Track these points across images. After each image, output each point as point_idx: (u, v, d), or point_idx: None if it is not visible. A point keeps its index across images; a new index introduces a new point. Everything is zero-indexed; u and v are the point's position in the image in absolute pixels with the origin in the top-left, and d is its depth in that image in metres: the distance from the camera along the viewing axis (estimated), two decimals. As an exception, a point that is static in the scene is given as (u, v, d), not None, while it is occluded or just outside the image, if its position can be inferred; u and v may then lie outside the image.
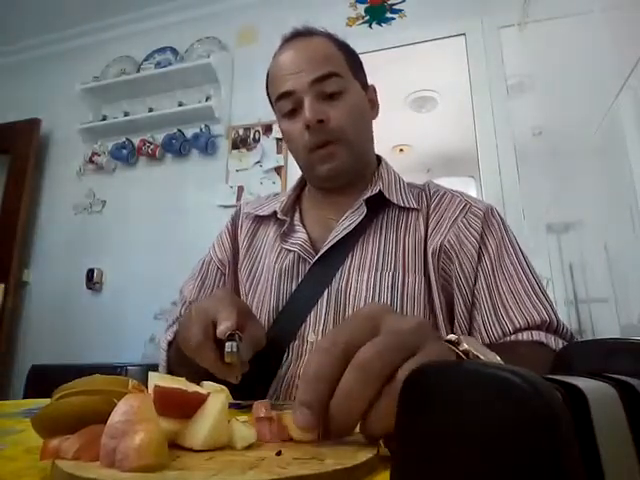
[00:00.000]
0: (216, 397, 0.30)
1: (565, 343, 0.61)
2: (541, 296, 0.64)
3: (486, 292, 0.66)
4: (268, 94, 0.78)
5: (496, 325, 0.64)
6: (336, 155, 0.72)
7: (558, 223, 2.64)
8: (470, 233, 0.70)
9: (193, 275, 0.84)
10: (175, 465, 0.25)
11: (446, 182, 0.83)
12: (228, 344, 0.47)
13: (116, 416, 0.25)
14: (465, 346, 0.37)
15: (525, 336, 0.61)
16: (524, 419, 0.15)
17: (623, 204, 1.83)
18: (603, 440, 0.15)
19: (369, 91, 0.79)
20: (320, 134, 0.70)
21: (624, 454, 0.16)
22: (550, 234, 2.64)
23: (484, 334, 0.64)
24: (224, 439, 0.29)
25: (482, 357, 0.36)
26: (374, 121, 0.81)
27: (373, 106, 0.80)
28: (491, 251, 0.68)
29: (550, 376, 0.18)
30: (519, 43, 1.97)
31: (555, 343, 0.59)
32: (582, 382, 0.17)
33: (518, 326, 0.62)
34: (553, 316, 0.62)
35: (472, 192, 3.53)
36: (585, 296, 2.42)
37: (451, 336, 0.37)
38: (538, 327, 0.62)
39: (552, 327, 0.62)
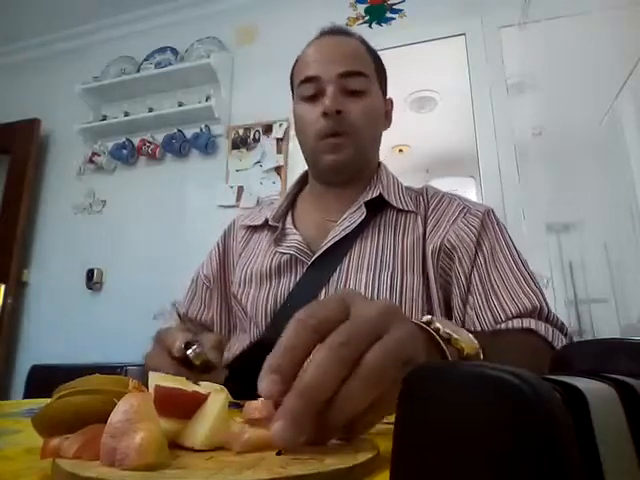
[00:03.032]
0: (216, 397, 0.30)
1: (555, 330, 0.61)
2: (532, 284, 0.65)
3: (479, 283, 0.67)
4: (291, 78, 0.81)
5: (487, 313, 0.65)
6: (343, 147, 0.73)
7: (558, 223, 2.65)
8: (470, 230, 0.71)
9: (189, 287, 0.89)
10: (175, 464, 0.25)
11: (446, 182, 0.84)
12: (189, 351, 0.50)
13: (116, 415, 0.25)
14: (436, 325, 0.38)
15: (515, 324, 0.61)
16: (523, 420, 0.15)
17: (623, 204, 1.84)
18: (603, 440, 0.15)
19: (387, 102, 0.84)
20: (334, 124, 0.72)
21: (624, 454, 0.16)
22: (550, 234, 2.65)
23: (476, 322, 0.65)
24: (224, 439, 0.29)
25: (453, 335, 0.38)
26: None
27: (387, 117, 0.84)
28: (485, 247, 0.70)
29: (549, 376, 0.18)
30: (519, 43, 1.97)
31: (545, 330, 0.60)
32: (581, 382, 0.17)
33: (509, 314, 0.63)
34: (543, 303, 0.64)
35: (472, 192, 3.53)
36: (585, 296, 2.43)
37: (425, 317, 0.39)
38: (529, 314, 0.63)
39: (543, 314, 0.63)
